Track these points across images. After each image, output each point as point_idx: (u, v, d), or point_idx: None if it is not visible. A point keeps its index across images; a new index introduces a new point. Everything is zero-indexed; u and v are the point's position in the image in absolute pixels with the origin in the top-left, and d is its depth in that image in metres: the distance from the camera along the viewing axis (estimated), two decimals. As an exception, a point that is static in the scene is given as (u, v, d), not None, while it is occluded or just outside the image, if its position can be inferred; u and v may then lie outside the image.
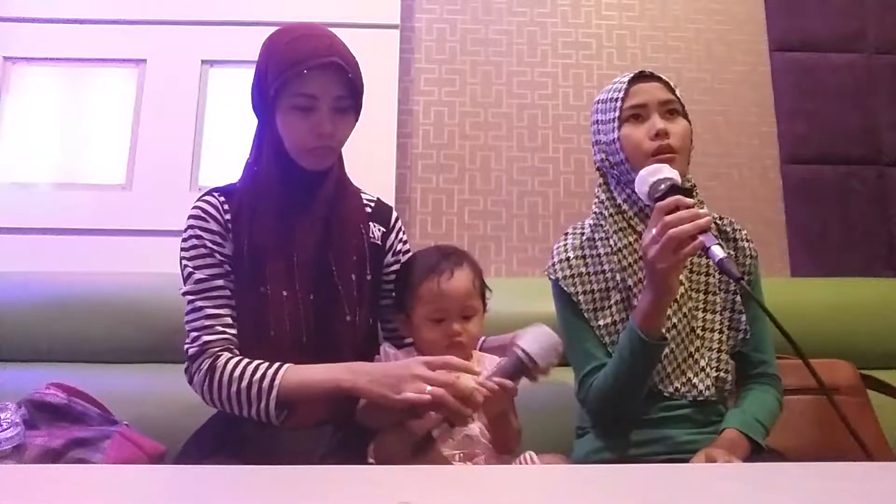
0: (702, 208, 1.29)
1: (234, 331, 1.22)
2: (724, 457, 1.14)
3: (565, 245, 1.40)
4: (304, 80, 1.19)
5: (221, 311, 1.22)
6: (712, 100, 2.28)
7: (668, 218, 1.11)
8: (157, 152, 2.14)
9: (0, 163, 2.17)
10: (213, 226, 1.25)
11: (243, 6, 2.22)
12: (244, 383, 1.16)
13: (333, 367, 1.17)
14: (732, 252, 1.37)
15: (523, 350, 1.14)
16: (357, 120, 1.29)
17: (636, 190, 1.22)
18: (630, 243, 1.32)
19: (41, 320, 1.76)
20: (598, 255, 1.36)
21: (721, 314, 1.32)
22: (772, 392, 1.33)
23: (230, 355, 1.20)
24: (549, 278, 1.40)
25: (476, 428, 1.19)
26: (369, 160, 2.10)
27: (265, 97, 1.24)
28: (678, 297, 1.27)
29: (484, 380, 1.12)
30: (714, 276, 1.33)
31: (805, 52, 2.30)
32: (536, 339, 1.15)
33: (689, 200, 1.13)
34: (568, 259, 1.37)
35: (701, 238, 1.09)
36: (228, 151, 2.15)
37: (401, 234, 1.42)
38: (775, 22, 2.33)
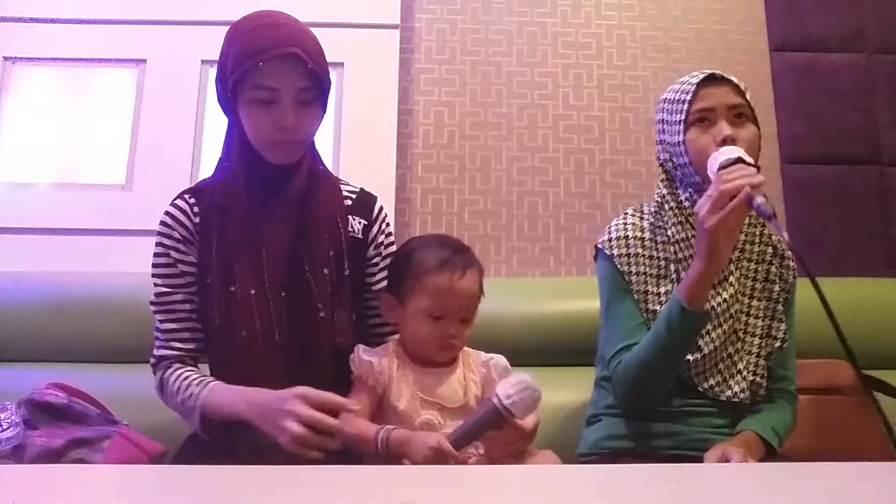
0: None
1: (189, 345, 1.26)
2: (740, 456, 1.13)
3: (625, 223, 1.38)
4: (263, 71, 1.16)
5: (177, 326, 1.26)
6: (712, 100, 2.28)
7: (722, 173, 1.14)
8: (157, 152, 2.13)
9: (0, 163, 2.17)
10: (178, 233, 1.25)
11: (243, 6, 2.17)
12: (179, 398, 1.21)
13: (240, 396, 1.16)
14: (778, 268, 1.36)
15: (502, 404, 1.04)
16: (324, 112, 1.25)
17: (708, 171, 1.22)
18: (687, 237, 1.31)
19: (41, 320, 1.75)
20: (656, 242, 1.35)
21: (763, 320, 1.32)
22: (788, 408, 1.34)
23: (178, 366, 1.25)
24: (603, 252, 1.37)
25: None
26: (369, 160, 2.10)
27: (227, 90, 1.20)
28: (727, 297, 1.28)
29: (447, 441, 1.04)
30: (759, 282, 1.33)
31: (805, 52, 2.30)
32: (517, 391, 1.05)
33: (750, 168, 1.15)
34: (626, 237, 1.36)
35: (747, 189, 1.10)
36: (228, 151, 2.15)
37: (384, 226, 1.36)
38: (775, 22, 2.33)
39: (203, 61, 2.21)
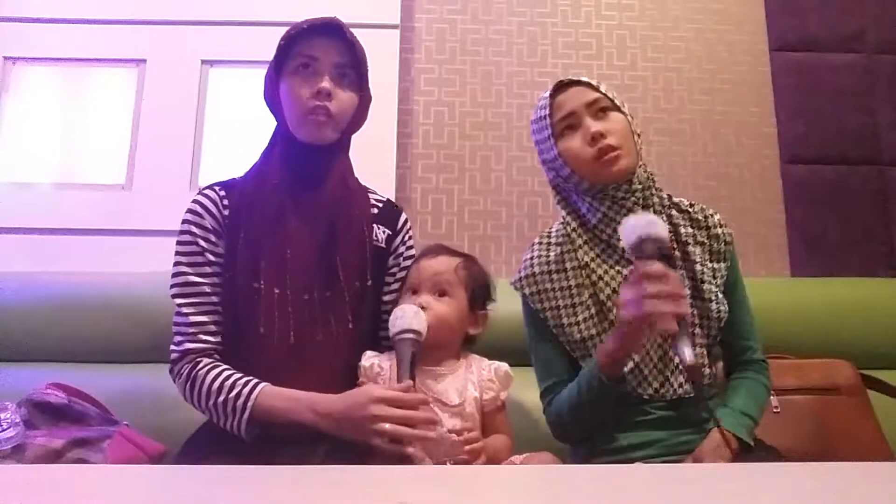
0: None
1: (216, 338, 1.23)
2: (710, 459, 1.14)
3: (531, 259, 1.36)
4: (305, 40, 1.24)
5: (205, 318, 1.22)
6: (712, 100, 2.28)
7: (653, 290, 1.08)
8: (157, 152, 2.14)
9: (0, 163, 2.17)
10: (208, 223, 1.25)
11: (243, 6, 2.22)
12: (220, 398, 1.16)
13: (301, 402, 1.15)
14: (706, 246, 1.32)
15: (393, 336, 1.16)
16: (359, 104, 1.29)
17: (620, 235, 1.15)
18: (597, 255, 1.29)
19: (41, 320, 1.75)
20: (565, 270, 1.32)
21: (690, 308, 1.26)
22: (758, 378, 1.30)
23: (210, 362, 1.20)
24: (518, 291, 1.37)
25: (450, 434, 1.18)
26: (369, 160, 2.10)
27: (272, 75, 1.27)
28: None
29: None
30: (677, 272, 1.26)
31: (805, 52, 2.30)
32: (399, 321, 1.16)
33: (674, 275, 1.10)
34: (534, 275, 1.33)
35: (672, 329, 1.06)
36: (228, 151, 2.15)
37: (407, 239, 1.38)
38: (775, 22, 2.33)
39: (203, 61, 2.21)
